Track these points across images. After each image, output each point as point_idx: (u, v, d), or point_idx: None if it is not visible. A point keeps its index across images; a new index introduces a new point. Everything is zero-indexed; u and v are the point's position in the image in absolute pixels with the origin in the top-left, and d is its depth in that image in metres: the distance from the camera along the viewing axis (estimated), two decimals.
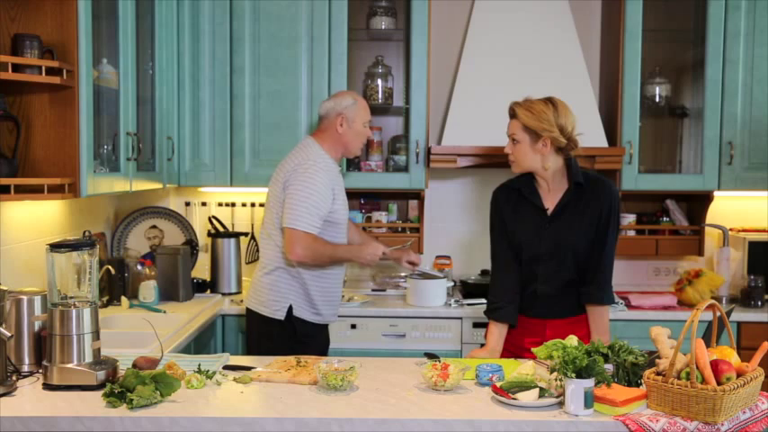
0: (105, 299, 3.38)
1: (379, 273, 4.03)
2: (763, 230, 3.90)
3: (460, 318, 3.52)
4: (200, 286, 3.78)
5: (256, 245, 3.97)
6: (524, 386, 2.07)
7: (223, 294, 3.78)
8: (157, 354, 2.35)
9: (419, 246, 3.90)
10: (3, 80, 2.43)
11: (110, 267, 3.15)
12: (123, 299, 3.42)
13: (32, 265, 2.80)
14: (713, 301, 2.01)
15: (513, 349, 2.67)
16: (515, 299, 2.67)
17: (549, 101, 2.60)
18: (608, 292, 2.66)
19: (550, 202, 2.65)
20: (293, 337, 2.98)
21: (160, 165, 3.48)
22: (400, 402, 2.05)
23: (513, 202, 2.69)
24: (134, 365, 2.20)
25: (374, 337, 3.53)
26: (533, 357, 2.34)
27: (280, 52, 3.67)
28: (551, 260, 2.63)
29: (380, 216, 3.97)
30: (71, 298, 2.20)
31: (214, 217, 3.95)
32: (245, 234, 4.00)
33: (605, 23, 4.01)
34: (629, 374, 2.12)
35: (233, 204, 4.08)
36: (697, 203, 3.94)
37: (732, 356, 2.02)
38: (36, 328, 2.27)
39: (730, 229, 3.89)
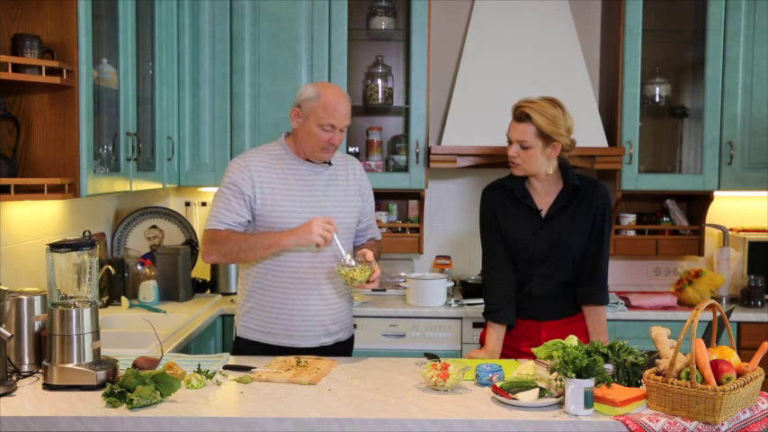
0: (105, 299, 3.38)
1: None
2: (763, 230, 3.90)
3: (460, 318, 3.52)
4: (200, 286, 3.78)
5: None
6: (524, 386, 2.07)
7: (223, 294, 3.78)
8: (157, 354, 2.35)
9: (419, 246, 3.90)
10: (3, 80, 2.43)
11: (110, 267, 3.15)
12: (123, 299, 3.42)
13: (32, 265, 2.80)
14: (713, 301, 2.01)
15: (509, 353, 2.65)
16: (513, 299, 2.65)
17: (555, 102, 2.55)
18: (607, 293, 2.67)
19: (543, 203, 2.64)
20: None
21: (160, 165, 3.48)
22: (400, 402, 2.05)
23: (505, 202, 2.66)
24: (134, 365, 2.20)
25: (374, 337, 3.52)
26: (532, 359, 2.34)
27: (280, 52, 3.67)
28: (547, 261, 2.61)
29: (380, 216, 3.96)
30: (71, 298, 2.20)
31: None
32: None
33: (605, 23, 4.00)
34: (629, 374, 2.12)
35: None
36: (697, 203, 3.94)
37: (732, 356, 2.02)
38: (36, 328, 2.26)
39: (730, 229, 3.89)
